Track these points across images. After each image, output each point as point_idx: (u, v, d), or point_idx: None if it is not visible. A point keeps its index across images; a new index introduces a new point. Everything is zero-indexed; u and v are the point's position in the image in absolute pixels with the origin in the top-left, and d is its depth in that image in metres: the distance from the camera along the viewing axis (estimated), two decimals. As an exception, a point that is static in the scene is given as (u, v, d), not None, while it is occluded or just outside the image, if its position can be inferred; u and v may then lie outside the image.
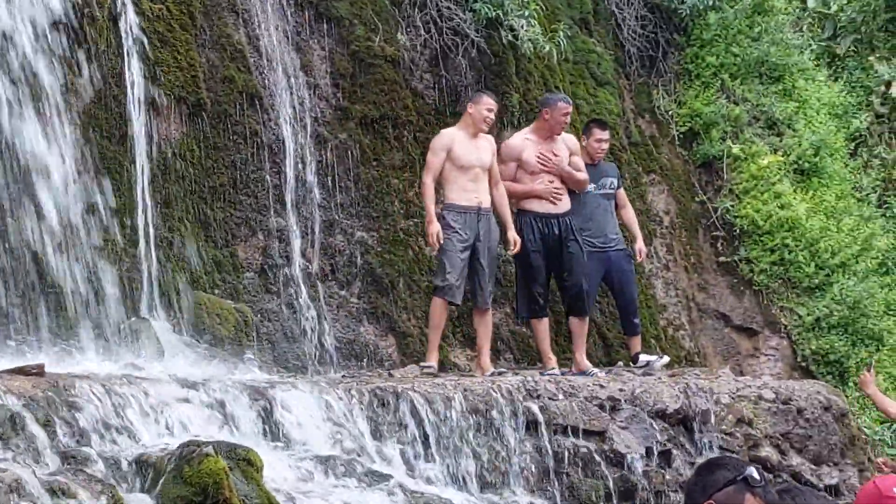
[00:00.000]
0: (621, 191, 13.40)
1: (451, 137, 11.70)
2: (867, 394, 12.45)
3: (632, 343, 13.32)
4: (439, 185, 11.75)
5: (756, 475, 4.84)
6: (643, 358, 13.08)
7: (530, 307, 12.22)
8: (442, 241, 11.56)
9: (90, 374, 8.79)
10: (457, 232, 11.56)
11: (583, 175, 12.53)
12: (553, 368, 11.97)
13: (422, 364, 11.52)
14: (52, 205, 9.93)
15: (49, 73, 10.00)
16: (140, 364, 9.62)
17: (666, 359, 13.23)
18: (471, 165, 11.66)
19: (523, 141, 12.36)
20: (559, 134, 12.40)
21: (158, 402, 8.43)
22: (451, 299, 11.58)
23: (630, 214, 13.49)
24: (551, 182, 12.27)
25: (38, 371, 8.28)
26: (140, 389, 8.43)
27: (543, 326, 12.26)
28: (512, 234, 11.94)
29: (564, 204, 12.34)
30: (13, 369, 8.21)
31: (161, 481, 7.55)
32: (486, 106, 11.76)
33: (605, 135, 13.14)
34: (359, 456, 9.12)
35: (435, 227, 11.52)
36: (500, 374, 11.35)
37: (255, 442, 8.60)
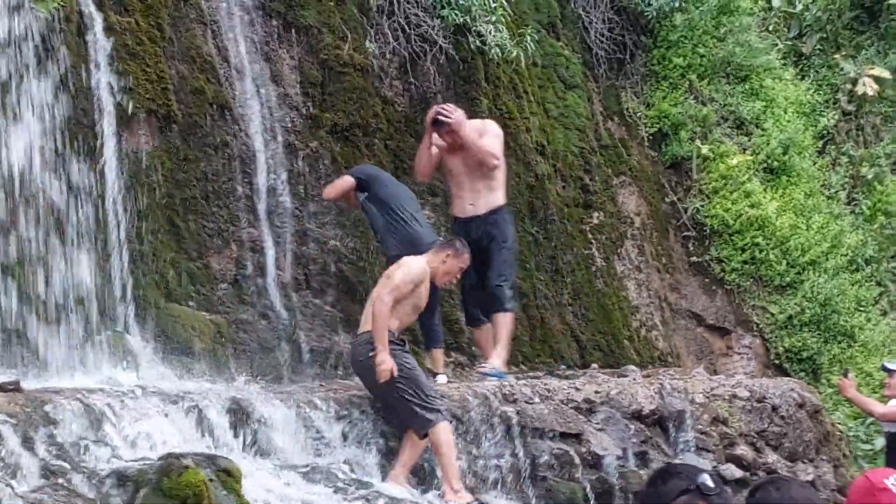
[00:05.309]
0: None
1: None
2: (848, 397, 12.50)
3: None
4: None
5: (710, 483, 4.68)
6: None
7: (472, 316, 11.97)
8: None
9: (67, 389, 8.78)
10: None
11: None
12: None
13: None
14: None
15: (18, 89, 9.97)
16: (117, 378, 9.60)
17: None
18: None
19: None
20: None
21: (136, 415, 8.43)
22: None
23: None
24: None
25: (15, 387, 8.28)
26: (118, 403, 8.43)
27: (485, 335, 11.86)
28: None
29: (483, 205, 11.91)
30: (-11, 386, 8.21)
31: (141, 494, 7.56)
32: None
33: None
34: (338, 464, 9.14)
35: None
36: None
37: (235, 453, 8.62)
